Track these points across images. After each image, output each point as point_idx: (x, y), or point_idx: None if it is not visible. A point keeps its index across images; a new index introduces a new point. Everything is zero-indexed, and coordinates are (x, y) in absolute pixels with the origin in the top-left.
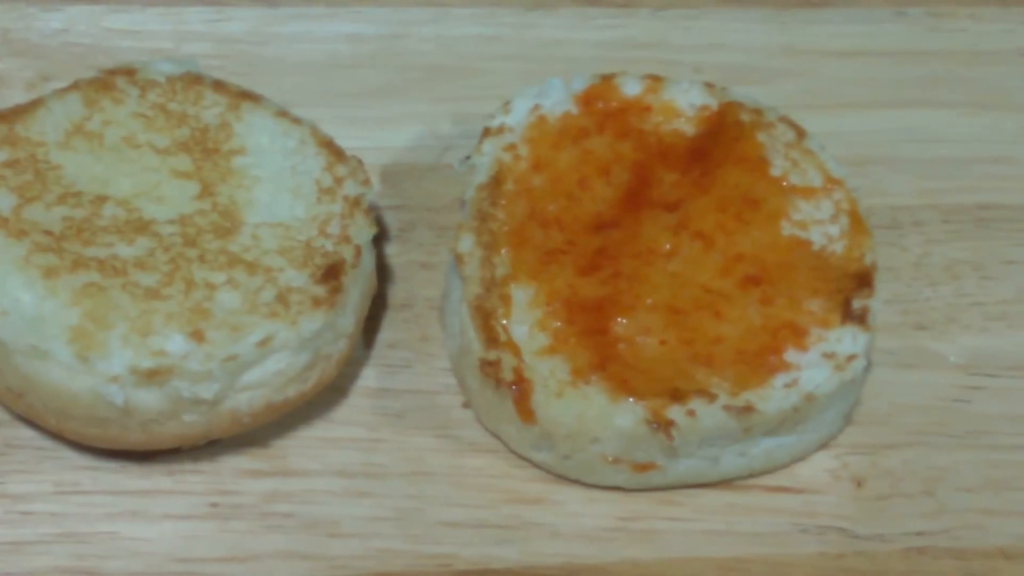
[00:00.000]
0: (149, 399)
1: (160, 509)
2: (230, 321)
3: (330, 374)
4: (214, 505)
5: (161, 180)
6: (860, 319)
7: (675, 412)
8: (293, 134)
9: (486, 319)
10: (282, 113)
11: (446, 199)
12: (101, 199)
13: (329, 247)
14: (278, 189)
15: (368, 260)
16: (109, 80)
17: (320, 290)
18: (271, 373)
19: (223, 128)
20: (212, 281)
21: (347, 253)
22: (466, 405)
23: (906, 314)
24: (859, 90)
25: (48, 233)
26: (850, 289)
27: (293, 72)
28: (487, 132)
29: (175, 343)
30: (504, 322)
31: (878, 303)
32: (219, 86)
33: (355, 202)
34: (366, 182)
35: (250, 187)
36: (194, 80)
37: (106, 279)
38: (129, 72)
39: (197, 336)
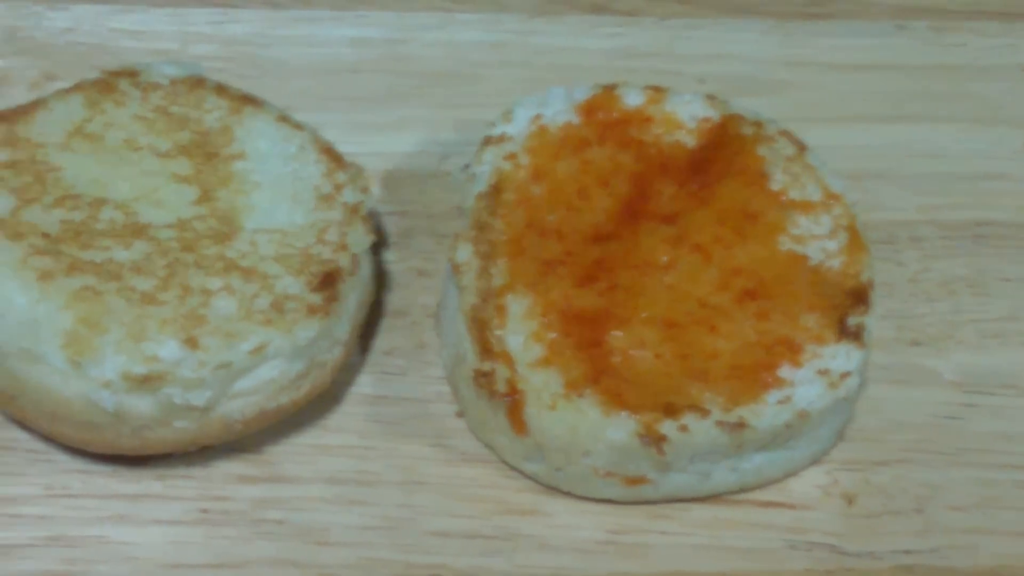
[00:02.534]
0: (141, 405)
1: (150, 514)
2: (225, 328)
3: (324, 381)
4: (204, 511)
5: (160, 184)
6: (855, 336)
7: (668, 427)
8: (294, 140)
9: (481, 329)
10: (283, 118)
11: (446, 206)
12: (100, 202)
13: (327, 255)
14: (277, 195)
15: (366, 268)
16: (112, 82)
17: (316, 298)
18: (264, 380)
19: (224, 132)
20: (208, 287)
21: (344, 261)
22: (460, 414)
23: (901, 330)
24: (860, 103)
25: (45, 236)
26: (846, 306)
27: (296, 75)
28: (488, 141)
29: (169, 349)
30: (499, 333)
31: (874, 320)
32: (221, 90)
33: (354, 209)
34: (365, 190)
35: (249, 192)
36: (196, 83)
37: (102, 283)
38: (132, 74)
39: (191, 343)
